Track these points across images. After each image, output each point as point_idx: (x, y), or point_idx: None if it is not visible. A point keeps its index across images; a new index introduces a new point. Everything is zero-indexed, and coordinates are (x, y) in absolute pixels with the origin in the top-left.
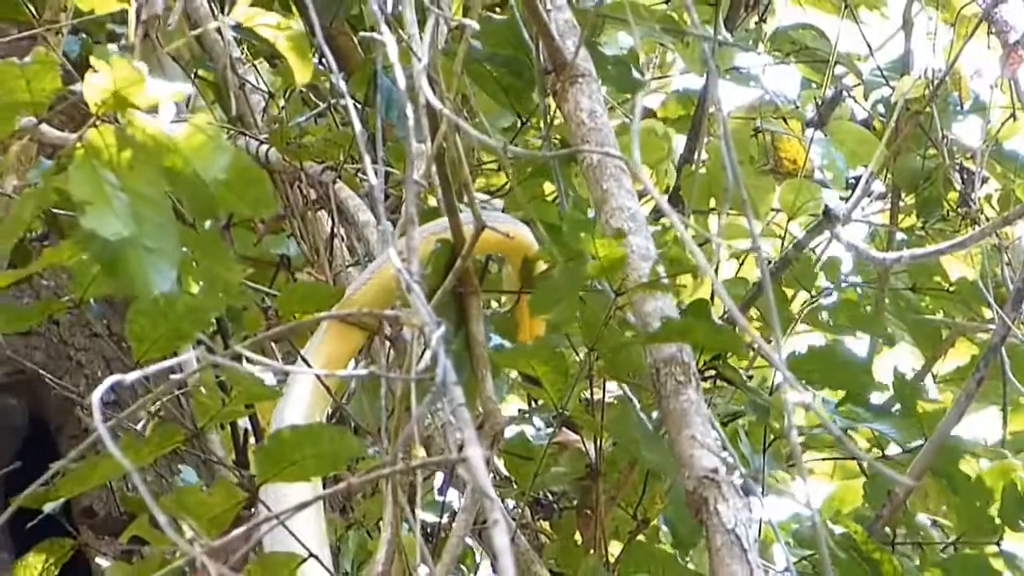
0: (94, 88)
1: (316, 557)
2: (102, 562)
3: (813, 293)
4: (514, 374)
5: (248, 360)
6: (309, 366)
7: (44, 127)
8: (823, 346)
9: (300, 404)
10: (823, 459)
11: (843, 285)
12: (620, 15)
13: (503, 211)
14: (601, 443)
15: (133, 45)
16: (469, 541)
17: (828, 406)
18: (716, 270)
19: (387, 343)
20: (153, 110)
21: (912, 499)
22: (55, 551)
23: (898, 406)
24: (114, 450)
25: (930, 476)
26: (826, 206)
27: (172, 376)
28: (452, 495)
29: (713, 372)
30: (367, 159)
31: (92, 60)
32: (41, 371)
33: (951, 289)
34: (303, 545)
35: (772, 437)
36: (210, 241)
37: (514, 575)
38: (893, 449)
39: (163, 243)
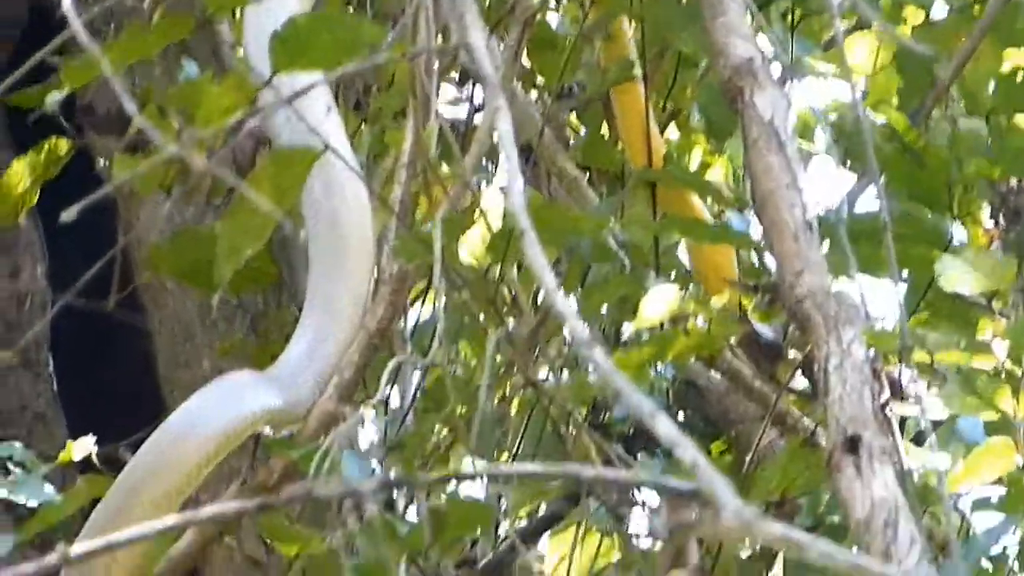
0: None
1: (335, 149)
2: (105, 163)
3: None
4: None
5: None
6: None
7: None
8: None
9: None
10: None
11: None
12: None
13: None
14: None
15: None
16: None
17: None
18: None
19: None
20: None
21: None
22: (55, 149)
23: None
24: (90, 45)
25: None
26: None
27: None
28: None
29: None
30: None
31: None
32: None
33: None
34: (318, 135)
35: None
36: None
37: (517, 162)
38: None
39: None
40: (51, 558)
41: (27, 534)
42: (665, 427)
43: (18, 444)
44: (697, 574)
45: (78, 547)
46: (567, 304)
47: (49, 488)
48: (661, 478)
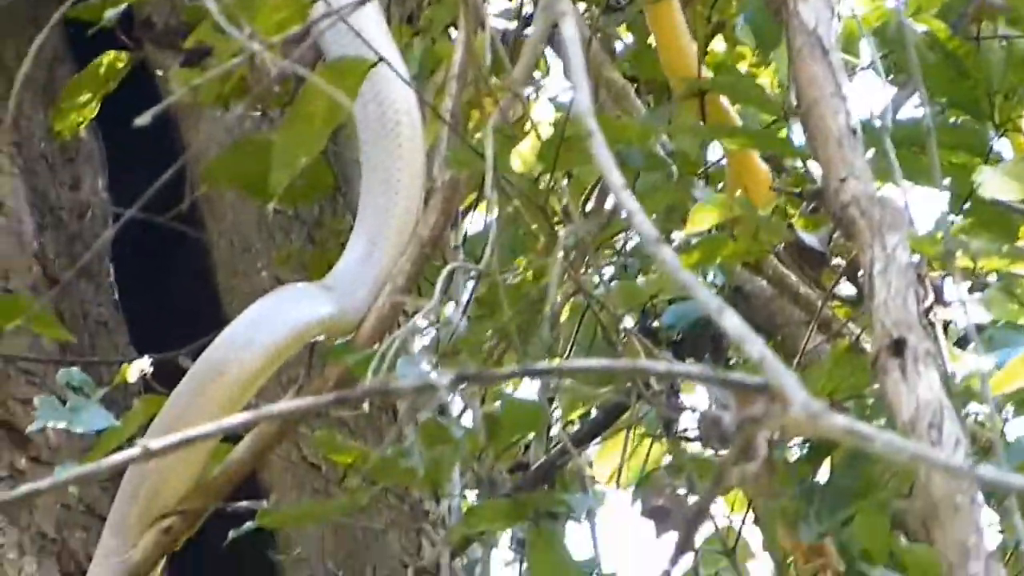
0: None
1: (387, 60)
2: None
3: None
4: None
5: None
6: None
7: None
8: None
9: None
10: None
11: None
12: None
13: None
14: None
15: None
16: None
17: None
18: None
19: None
20: None
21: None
22: (115, 63)
23: None
24: None
25: None
26: None
27: None
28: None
29: None
30: None
31: None
32: None
33: None
34: (370, 46)
35: None
36: None
37: (584, 66)
38: None
39: None
40: (132, 452)
41: (91, 460)
42: (732, 322)
43: (75, 369)
44: (766, 466)
45: (156, 441)
46: (633, 202)
47: (106, 415)
48: (730, 373)
